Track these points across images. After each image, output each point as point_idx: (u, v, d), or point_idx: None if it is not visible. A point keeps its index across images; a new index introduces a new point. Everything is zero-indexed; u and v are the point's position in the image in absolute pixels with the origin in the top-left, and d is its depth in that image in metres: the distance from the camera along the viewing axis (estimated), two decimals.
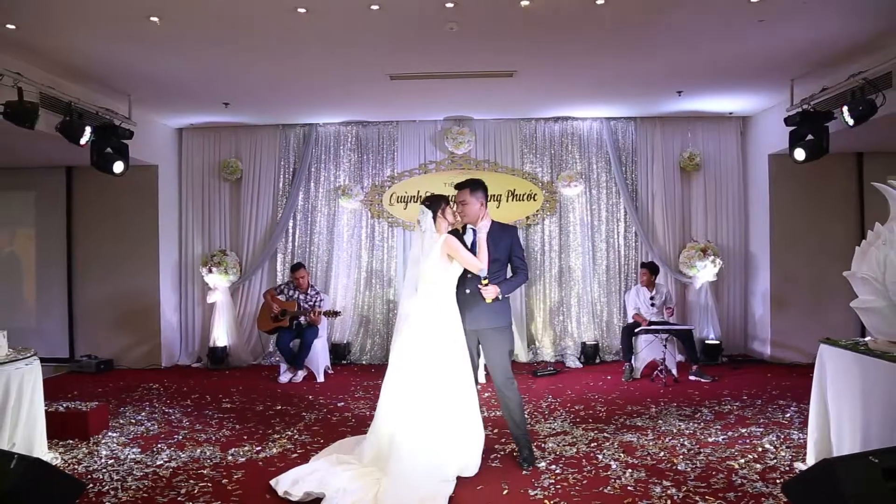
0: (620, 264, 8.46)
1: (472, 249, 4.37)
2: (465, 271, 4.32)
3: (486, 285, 4.21)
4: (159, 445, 4.71)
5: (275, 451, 4.60)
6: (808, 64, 6.16)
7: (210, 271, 8.07)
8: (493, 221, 4.55)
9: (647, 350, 7.21)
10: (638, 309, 7.50)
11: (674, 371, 7.03)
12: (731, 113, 8.20)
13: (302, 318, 7.23)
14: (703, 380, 6.95)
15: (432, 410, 3.91)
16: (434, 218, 4.14)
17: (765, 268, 8.15)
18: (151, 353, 8.15)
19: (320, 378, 7.18)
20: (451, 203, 4.33)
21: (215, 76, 6.33)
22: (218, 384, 7.07)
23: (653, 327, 6.94)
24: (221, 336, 8.13)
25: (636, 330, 7.11)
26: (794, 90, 6.70)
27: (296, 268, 7.37)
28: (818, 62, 6.07)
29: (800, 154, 6.42)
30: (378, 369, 7.85)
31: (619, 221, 8.47)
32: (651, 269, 7.49)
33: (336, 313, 7.10)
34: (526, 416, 4.64)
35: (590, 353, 8.16)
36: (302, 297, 7.26)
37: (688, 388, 6.67)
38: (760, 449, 4.53)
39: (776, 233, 8.00)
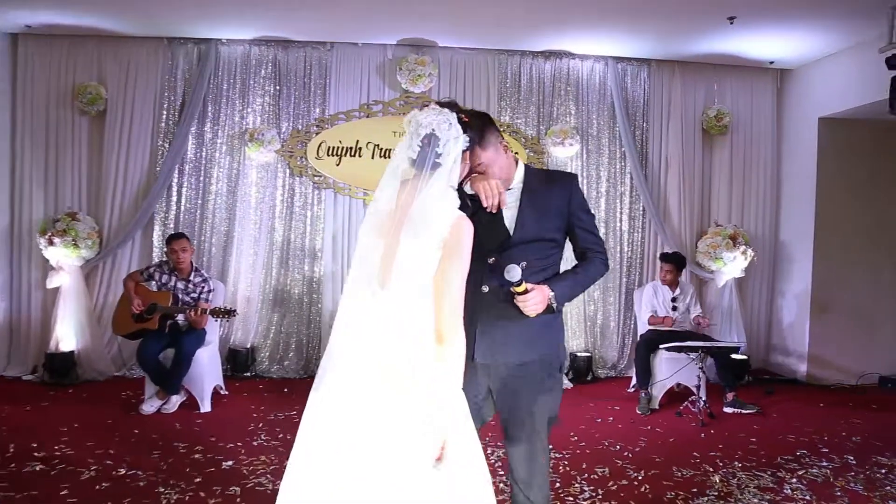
0: (623, 250, 6.47)
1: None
2: (481, 256, 2.16)
3: (524, 289, 2.17)
4: None
5: None
6: None
7: (51, 243, 5.54)
8: (527, 167, 2.45)
9: (668, 371, 5.26)
10: (655, 311, 5.55)
11: (702, 400, 5.04)
12: (771, 62, 6.30)
13: (179, 317, 4.86)
14: (743, 411, 5.09)
15: None
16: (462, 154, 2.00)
17: (801, 262, 6.35)
18: None
19: (205, 406, 4.83)
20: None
21: None
22: (41, 417, 4.61)
23: (687, 344, 4.97)
24: (67, 337, 5.64)
25: (663, 346, 5.11)
26: None
27: (173, 238, 4.96)
28: None
29: None
30: (295, 387, 5.58)
31: (624, 195, 6.46)
32: (677, 263, 5.54)
33: (229, 312, 4.73)
34: None
35: (582, 369, 6.16)
36: (181, 285, 4.88)
37: (730, 426, 4.78)
38: None
39: (821, 219, 6.20)
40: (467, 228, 1.89)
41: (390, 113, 6.11)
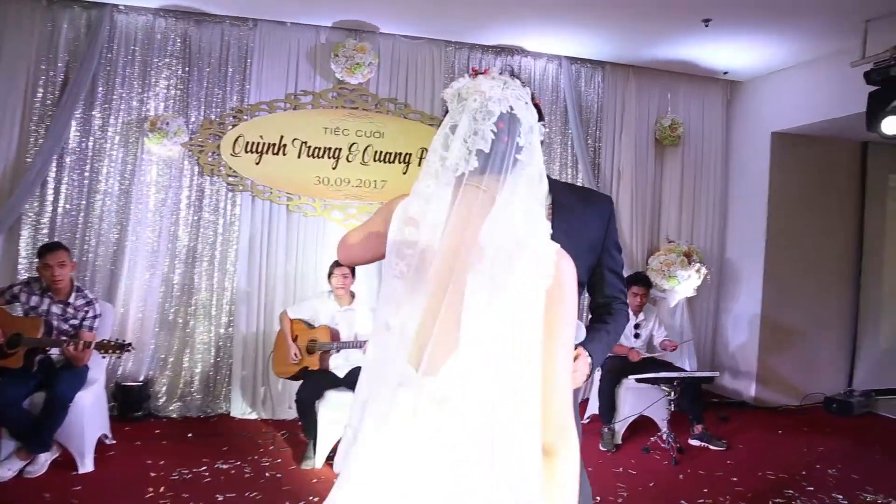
0: None
1: None
2: None
3: (575, 354, 1.64)
4: None
5: None
6: None
7: None
8: (551, 180, 1.84)
9: (631, 405, 4.78)
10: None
11: (672, 435, 4.56)
12: (725, 73, 6.03)
13: (53, 352, 3.81)
14: (711, 447, 4.69)
15: None
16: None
17: (750, 281, 6.12)
18: None
19: (86, 465, 3.75)
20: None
21: None
22: None
23: (661, 375, 4.50)
24: None
25: (635, 377, 4.60)
26: (870, 37, 4.60)
27: (48, 250, 3.86)
28: None
29: (893, 125, 4.30)
30: (200, 430, 4.63)
31: None
32: (646, 285, 5.09)
33: (122, 347, 3.69)
34: None
35: None
36: (57, 309, 3.83)
37: (704, 463, 4.38)
38: None
39: (773, 236, 5.99)
40: (571, 270, 1.20)
41: (321, 106, 5.28)
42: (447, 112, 1.30)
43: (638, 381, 4.54)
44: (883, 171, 6.33)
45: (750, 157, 6.13)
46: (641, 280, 5.09)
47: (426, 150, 5.51)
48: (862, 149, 6.29)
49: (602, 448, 4.62)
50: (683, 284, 5.78)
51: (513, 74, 1.32)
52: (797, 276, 6.03)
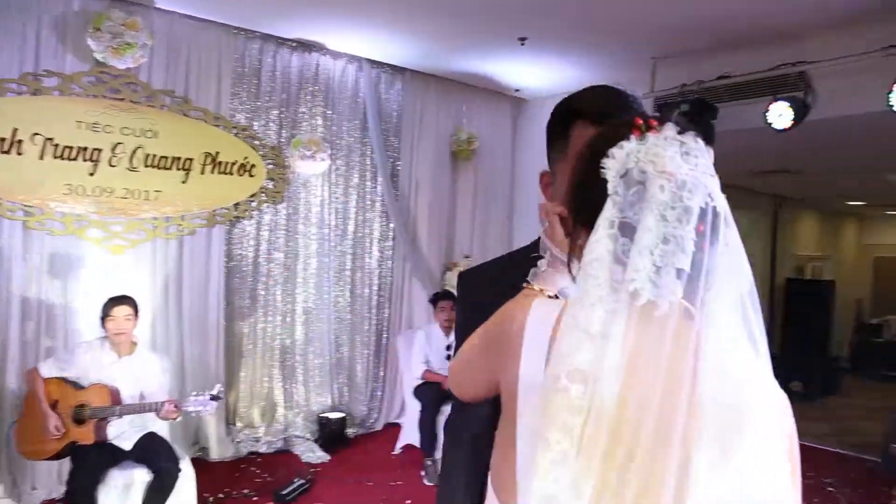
0: (373, 285, 5.62)
1: None
2: None
3: None
4: None
5: None
6: (694, 44, 4.62)
7: None
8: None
9: None
10: (428, 362, 4.87)
11: None
12: (517, 90, 6.19)
13: None
14: None
15: None
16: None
17: None
18: None
19: None
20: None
21: None
22: None
23: None
24: None
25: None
26: (658, 73, 5.04)
27: None
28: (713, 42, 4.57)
29: None
30: None
31: (374, 221, 5.61)
32: (454, 299, 4.95)
33: None
34: None
35: (335, 433, 5.08)
36: None
37: None
38: None
39: None
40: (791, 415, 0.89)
41: (74, 93, 4.08)
42: (592, 183, 0.86)
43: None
44: None
45: (535, 174, 6.35)
46: (450, 294, 4.95)
47: (211, 155, 4.74)
48: None
49: (426, 482, 4.38)
50: None
51: (687, 125, 0.89)
52: None
